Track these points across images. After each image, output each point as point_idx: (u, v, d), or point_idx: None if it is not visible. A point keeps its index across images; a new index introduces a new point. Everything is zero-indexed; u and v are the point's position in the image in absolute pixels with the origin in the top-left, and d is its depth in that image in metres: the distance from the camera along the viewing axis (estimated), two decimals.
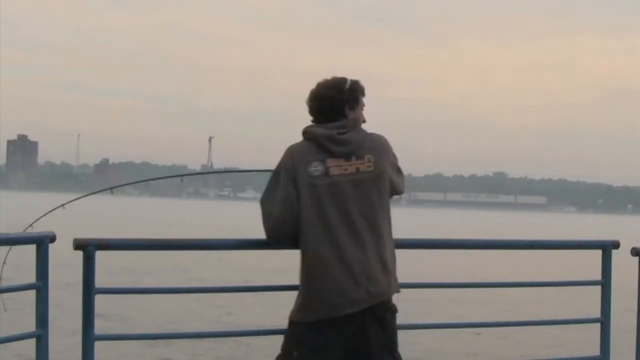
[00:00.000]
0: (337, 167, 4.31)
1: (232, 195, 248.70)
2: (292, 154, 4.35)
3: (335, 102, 4.42)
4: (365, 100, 4.54)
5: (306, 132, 4.40)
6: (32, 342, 4.38)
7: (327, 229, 4.26)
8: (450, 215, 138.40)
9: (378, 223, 4.36)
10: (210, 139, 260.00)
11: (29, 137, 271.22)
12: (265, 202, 4.37)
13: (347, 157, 4.33)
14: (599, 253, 5.77)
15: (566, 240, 6.34)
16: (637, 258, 5.65)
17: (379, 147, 4.42)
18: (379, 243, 4.35)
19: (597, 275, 5.74)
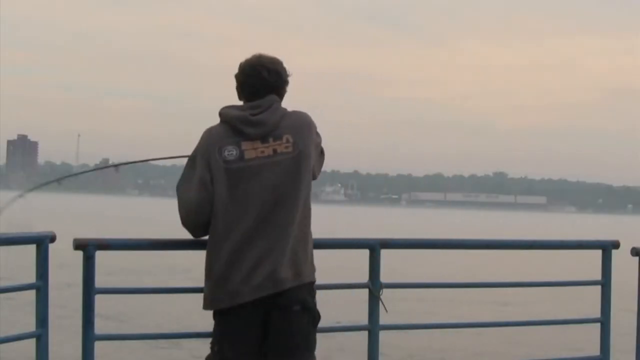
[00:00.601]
0: (253, 150, 4.11)
1: None
2: (207, 137, 4.17)
3: (282, 79, 4.26)
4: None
5: (221, 114, 4.21)
6: (32, 342, 4.38)
7: (239, 215, 4.10)
8: (450, 215, 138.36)
9: (294, 210, 4.14)
10: None
11: (29, 137, 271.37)
12: (180, 188, 4.21)
13: (263, 138, 4.13)
14: (599, 253, 5.77)
15: (566, 240, 6.33)
16: (637, 258, 5.64)
17: (298, 125, 4.19)
18: (291, 231, 4.13)
19: (597, 275, 5.74)
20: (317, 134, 4.29)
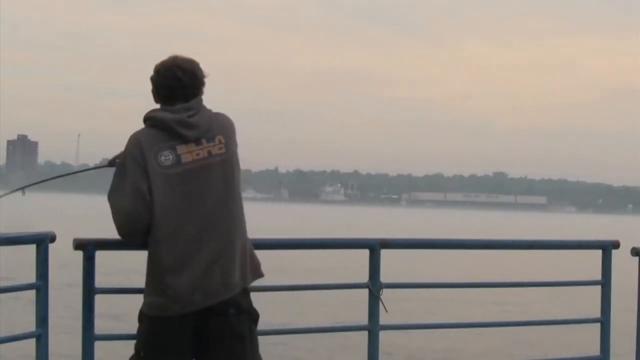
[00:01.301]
0: (189, 154, 4.07)
1: None
2: (138, 141, 4.09)
3: (199, 80, 4.24)
4: None
5: (150, 118, 4.15)
6: (32, 342, 4.38)
7: (182, 220, 4.04)
8: (450, 215, 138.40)
9: (233, 212, 4.13)
10: None
11: (29, 137, 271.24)
12: (113, 196, 4.11)
13: (197, 141, 4.09)
14: (599, 253, 5.78)
15: (566, 240, 6.35)
16: (637, 258, 5.65)
17: (227, 127, 4.20)
18: (236, 234, 4.12)
19: (597, 275, 5.75)
20: (236, 142, 4.29)
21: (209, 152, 4.11)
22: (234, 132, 4.23)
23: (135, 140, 4.12)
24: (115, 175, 4.15)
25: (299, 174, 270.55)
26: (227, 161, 4.14)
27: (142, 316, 4.17)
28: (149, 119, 4.16)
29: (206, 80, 4.29)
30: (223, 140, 4.14)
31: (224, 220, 4.10)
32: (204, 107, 4.21)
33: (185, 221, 4.05)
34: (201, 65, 4.28)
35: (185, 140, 4.09)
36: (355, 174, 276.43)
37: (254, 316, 4.21)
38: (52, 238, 4.39)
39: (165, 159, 4.06)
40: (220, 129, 4.17)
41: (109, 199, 4.14)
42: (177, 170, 4.06)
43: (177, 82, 4.19)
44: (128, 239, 4.20)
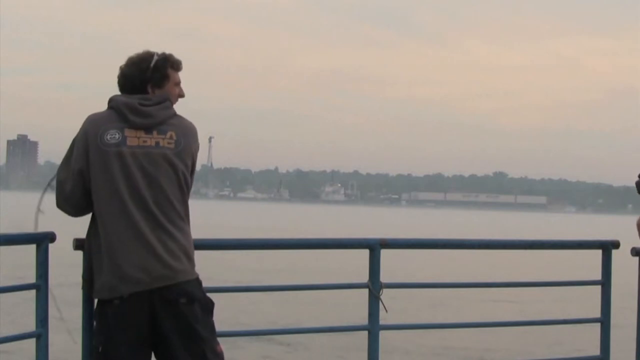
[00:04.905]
0: (136, 138, 4.13)
1: (232, 195, 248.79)
2: (89, 121, 4.17)
3: (136, 80, 4.27)
4: (182, 74, 4.39)
5: (110, 100, 4.23)
6: (32, 342, 4.38)
7: (119, 203, 4.08)
8: (450, 215, 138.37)
9: (172, 203, 4.14)
10: (210, 139, 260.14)
11: (29, 137, 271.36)
12: (59, 172, 4.22)
13: (148, 130, 4.15)
14: (599, 253, 5.78)
15: (566, 240, 6.34)
16: (637, 258, 5.65)
17: (185, 129, 4.24)
18: (170, 224, 4.13)
19: (597, 275, 5.74)
20: (198, 146, 4.33)
21: (157, 143, 4.15)
22: (193, 137, 4.26)
23: (86, 120, 4.20)
24: (67, 151, 4.22)
25: (299, 174, 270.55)
26: (175, 157, 4.16)
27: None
28: (110, 100, 4.24)
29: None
30: (175, 137, 4.19)
31: (159, 212, 4.11)
32: (169, 105, 4.24)
33: (122, 205, 4.08)
34: None
35: (133, 126, 4.15)
36: (355, 174, 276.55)
37: (208, 305, 4.22)
38: (52, 238, 4.39)
39: (110, 137, 4.11)
40: (177, 127, 4.21)
41: (57, 174, 4.22)
42: (121, 149, 4.10)
43: (126, 80, 4.29)
44: (65, 212, 4.27)
